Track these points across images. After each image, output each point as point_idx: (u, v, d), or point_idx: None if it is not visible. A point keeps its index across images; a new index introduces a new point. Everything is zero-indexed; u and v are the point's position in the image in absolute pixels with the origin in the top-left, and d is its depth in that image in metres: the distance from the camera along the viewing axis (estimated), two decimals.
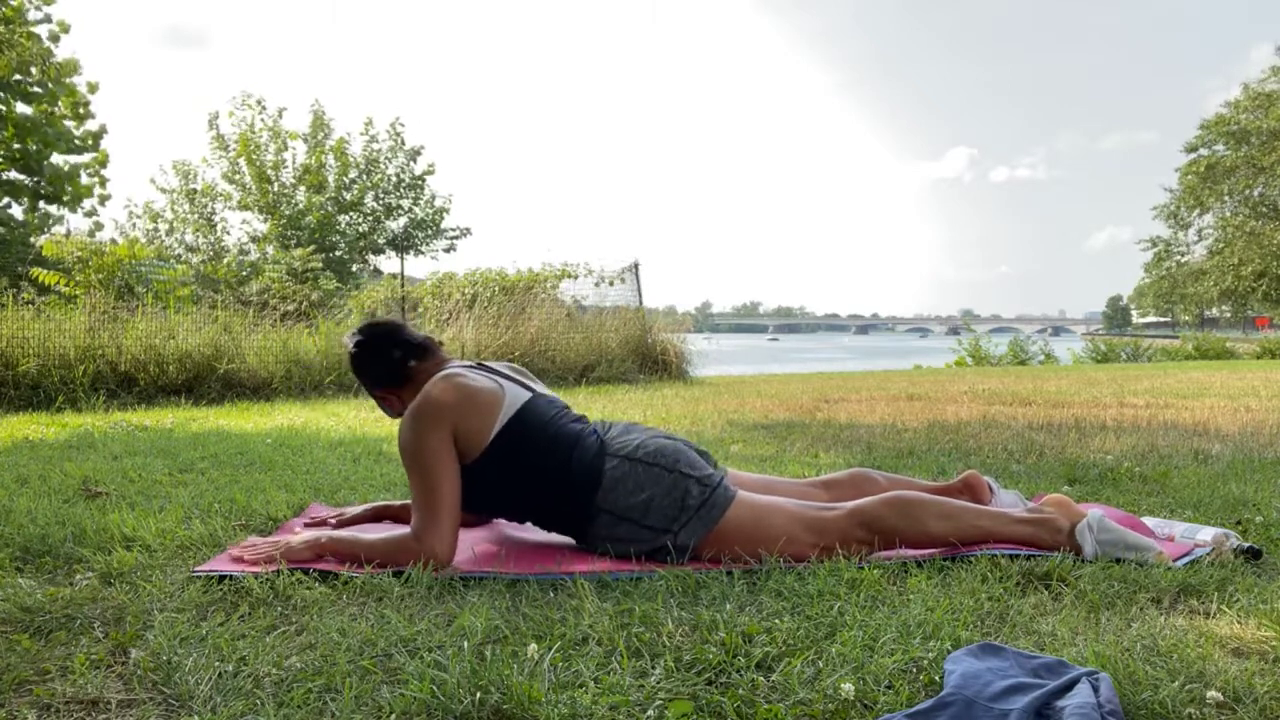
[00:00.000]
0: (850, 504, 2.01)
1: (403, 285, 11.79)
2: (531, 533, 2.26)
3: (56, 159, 16.40)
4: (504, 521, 2.37)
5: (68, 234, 11.79)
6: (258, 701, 1.25)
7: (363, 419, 5.27)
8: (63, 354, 7.03)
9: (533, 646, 1.42)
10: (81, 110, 16.81)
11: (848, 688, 1.24)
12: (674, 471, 1.99)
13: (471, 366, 2.18)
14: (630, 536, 1.98)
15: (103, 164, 17.54)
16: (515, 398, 2.09)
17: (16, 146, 15.50)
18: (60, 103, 16.16)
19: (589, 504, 2.01)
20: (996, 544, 1.96)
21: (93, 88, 16.96)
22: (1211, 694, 1.22)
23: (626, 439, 2.07)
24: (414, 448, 1.99)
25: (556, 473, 2.03)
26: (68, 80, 16.16)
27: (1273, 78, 28.24)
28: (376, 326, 2.28)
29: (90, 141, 17.11)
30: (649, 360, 9.89)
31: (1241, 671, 1.31)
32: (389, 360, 2.21)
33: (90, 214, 18.15)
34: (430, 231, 21.23)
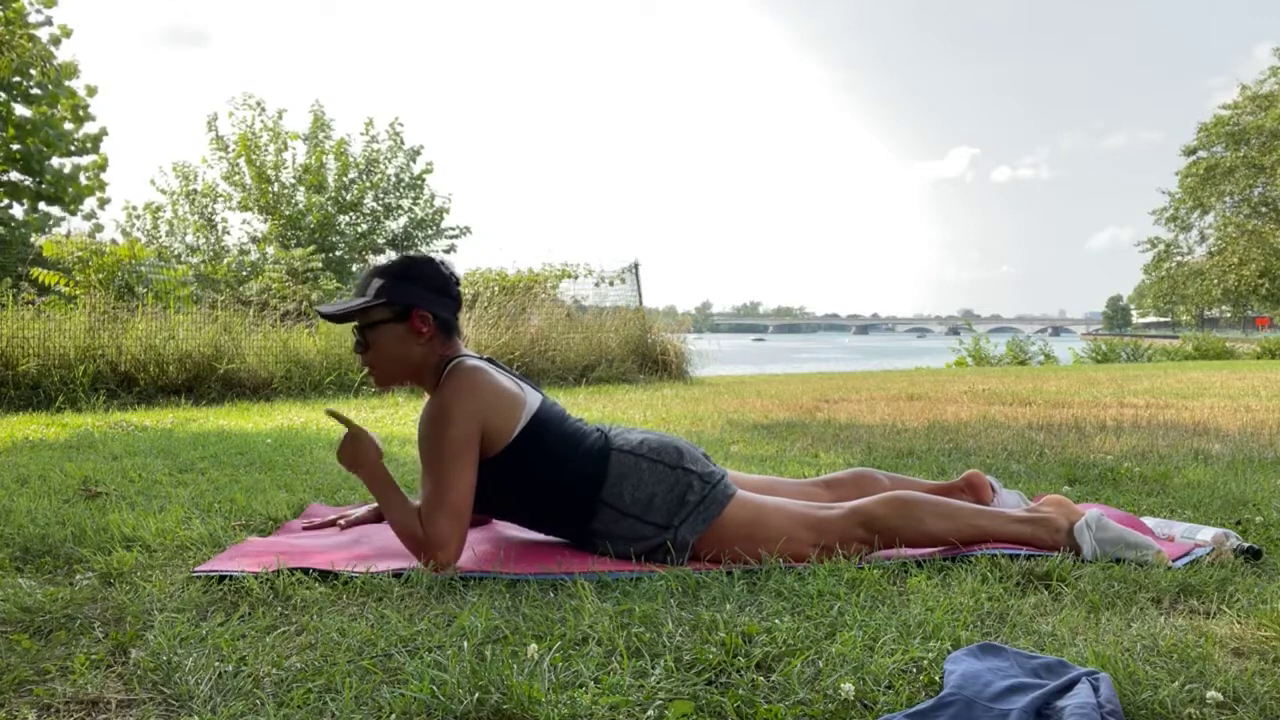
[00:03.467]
0: (850, 504, 2.01)
1: None
2: (531, 533, 2.26)
3: (56, 161, 16.40)
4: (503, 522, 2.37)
5: (68, 234, 11.78)
6: (258, 701, 1.25)
7: (363, 419, 5.26)
8: (63, 354, 7.03)
9: (533, 646, 1.42)
10: (81, 113, 16.82)
11: (848, 688, 1.24)
12: (677, 468, 2.00)
13: (489, 360, 2.16)
14: (630, 534, 1.98)
15: (102, 168, 17.54)
16: (533, 399, 2.09)
17: (16, 147, 15.50)
18: (60, 105, 16.17)
19: (592, 498, 2.00)
20: (996, 544, 1.96)
21: (91, 91, 16.96)
22: (1211, 694, 1.22)
23: (629, 436, 2.08)
24: (437, 443, 1.92)
25: (563, 468, 2.02)
26: (67, 82, 16.16)
27: (1271, 78, 28.25)
28: None
29: (90, 144, 17.12)
30: (649, 360, 9.89)
31: (1241, 671, 1.31)
32: (452, 306, 2.08)
33: (89, 216, 18.17)
34: (430, 231, 21.22)
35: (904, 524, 1.96)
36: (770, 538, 1.94)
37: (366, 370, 2.08)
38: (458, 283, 2.12)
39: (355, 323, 2.06)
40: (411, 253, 2.37)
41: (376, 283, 2.03)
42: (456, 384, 1.97)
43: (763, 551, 1.92)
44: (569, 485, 2.02)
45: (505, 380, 2.06)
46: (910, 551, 1.97)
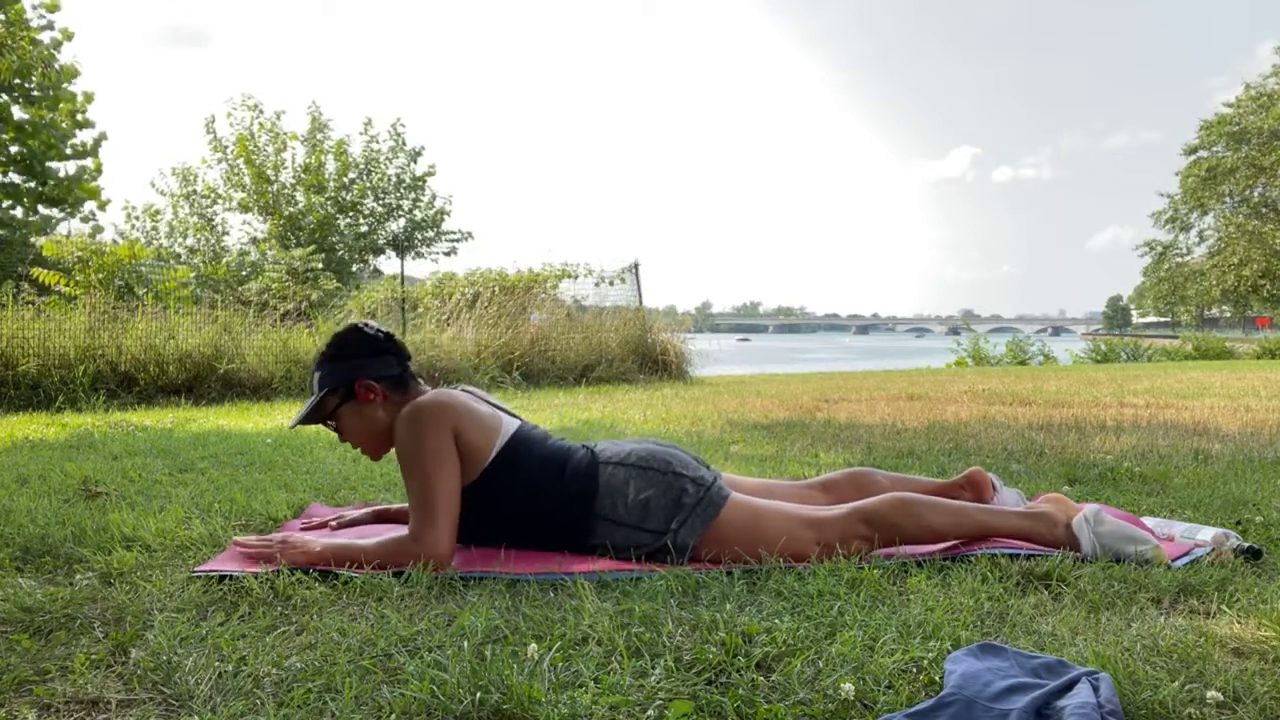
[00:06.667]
0: (850, 504, 2.01)
1: (403, 285, 11.79)
2: None
3: (53, 165, 16.37)
4: None
5: (68, 234, 11.77)
6: (258, 701, 1.25)
7: None
8: (63, 354, 7.03)
9: (533, 646, 1.42)
10: (80, 117, 16.80)
11: (848, 688, 1.24)
12: (668, 473, 2.00)
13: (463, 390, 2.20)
14: (628, 542, 1.98)
15: (98, 172, 17.50)
16: (510, 423, 2.11)
17: (15, 150, 15.48)
18: (59, 108, 16.15)
19: (586, 513, 2.00)
20: (996, 544, 1.96)
21: (88, 97, 16.93)
22: (1211, 694, 1.22)
23: (617, 448, 2.08)
24: (413, 447, 1.97)
25: (552, 488, 2.02)
26: (66, 85, 16.15)
27: (1273, 77, 28.23)
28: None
29: (87, 150, 17.11)
30: (649, 360, 9.90)
31: (1241, 671, 1.31)
32: (395, 361, 2.15)
33: (88, 219, 18.16)
34: (431, 233, 21.19)
35: (906, 522, 1.96)
36: (771, 538, 1.94)
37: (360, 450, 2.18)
38: (389, 336, 2.18)
39: (325, 420, 2.14)
40: (338, 329, 2.46)
41: (317, 376, 2.14)
42: (422, 402, 2.03)
43: (763, 551, 1.92)
44: (560, 504, 2.02)
45: (473, 401, 2.09)
46: (910, 550, 1.97)
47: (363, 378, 2.10)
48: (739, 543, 1.94)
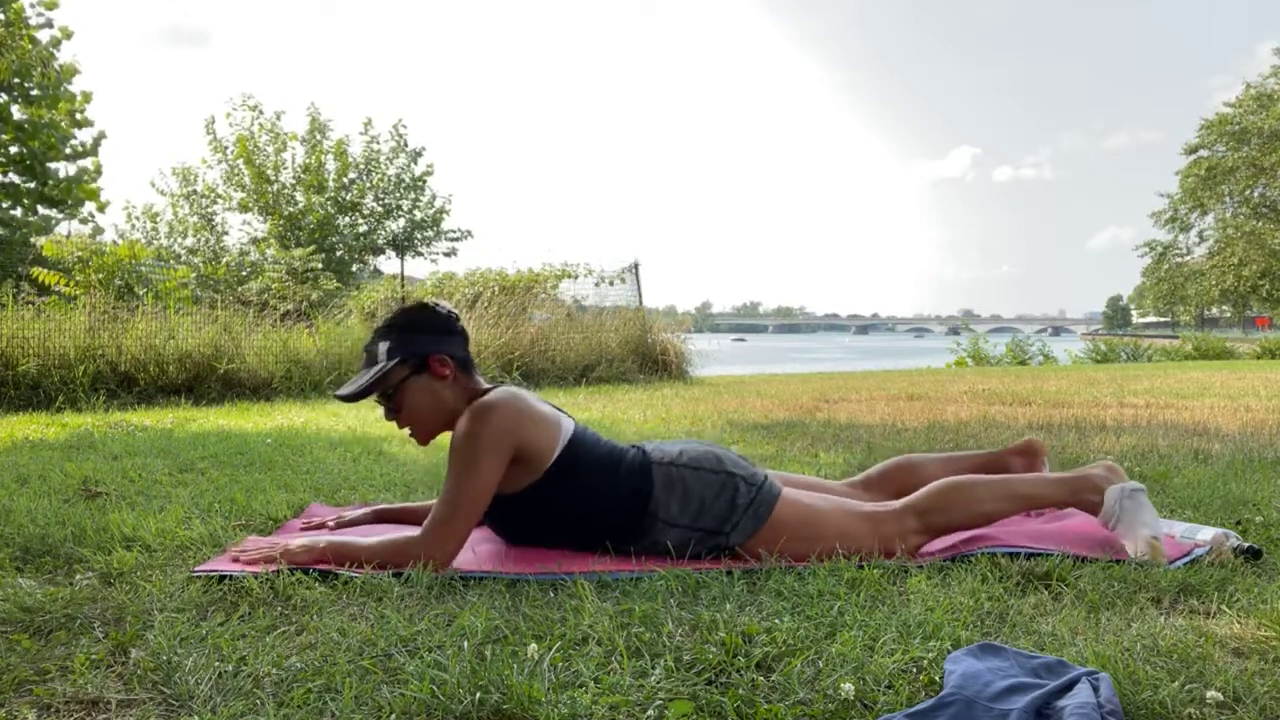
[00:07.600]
0: (902, 501, 2.03)
1: (403, 285, 11.79)
2: None
3: (53, 165, 16.36)
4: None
5: (68, 235, 11.77)
6: (258, 701, 1.25)
7: (363, 419, 5.26)
8: (63, 354, 7.03)
9: (533, 646, 1.42)
10: (79, 116, 16.80)
11: (848, 688, 1.24)
12: (720, 472, 2.01)
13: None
14: (681, 541, 1.99)
15: (97, 173, 17.50)
16: (568, 423, 2.10)
17: (15, 150, 15.47)
18: (59, 108, 16.15)
19: (642, 515, 2.00)
20: (996, 543, 1.97)
21: (87, 96, 16.93)
22: (1211, 694, 1.22)
23: (668, 449, 2.08)
24: (471, 441, 1.92)
25: (608, 489, 2.02)
26: (66, 85, 16.15)
27: (1273, 77, 28.24)
28: None
29: (90, 146, 17.11)
30: (649, 360, 9.89)
31: (1241, 671, 1.31)
32: (457, 330, 2.11)
33: (86, 220, 18.16)
34: (430, 233, 21.19)
35: (955, 508, 1.99)
36: (826, 535, 1.95)
37: (408, 431, 2.11)
38: (458, 318, 2.14)
39: (378, 392, 2.06)
40: (405, 304, 2.40)
41: (384, 345, 2.06)
42: (495, 401, 1.99)
43: (808, 555, 1.92)
44: (615, 506, 2.01)
45: (541, 404, 2.09)
46: (931, 547, 1.99)
47: (439, 353, 2.05)
48: (794, 540, 1.95)
